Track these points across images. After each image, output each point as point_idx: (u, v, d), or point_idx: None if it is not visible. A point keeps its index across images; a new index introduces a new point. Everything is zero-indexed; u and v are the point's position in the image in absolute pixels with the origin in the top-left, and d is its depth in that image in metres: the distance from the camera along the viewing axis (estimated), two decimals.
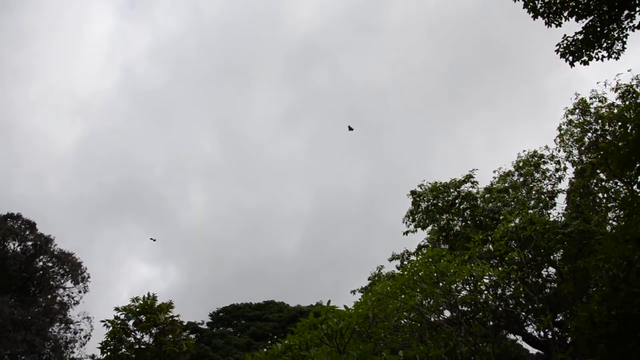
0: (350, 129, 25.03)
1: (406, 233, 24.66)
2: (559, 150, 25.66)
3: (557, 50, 13.69)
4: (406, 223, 24.28)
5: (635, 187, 11.48)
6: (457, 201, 23.05)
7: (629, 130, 7.81)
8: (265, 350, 9.10)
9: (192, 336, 69.50)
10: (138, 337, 25.89)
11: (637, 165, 8.23)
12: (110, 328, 25.07)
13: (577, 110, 24.86)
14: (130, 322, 25.95)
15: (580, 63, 13.63)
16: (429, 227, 24.71)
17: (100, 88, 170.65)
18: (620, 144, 8.25)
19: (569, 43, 13.53)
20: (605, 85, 24.14)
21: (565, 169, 25.39)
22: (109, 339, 24.84)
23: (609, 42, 13.28)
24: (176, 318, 27.07)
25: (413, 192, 23.94)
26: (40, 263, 38.40)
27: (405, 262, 25.07)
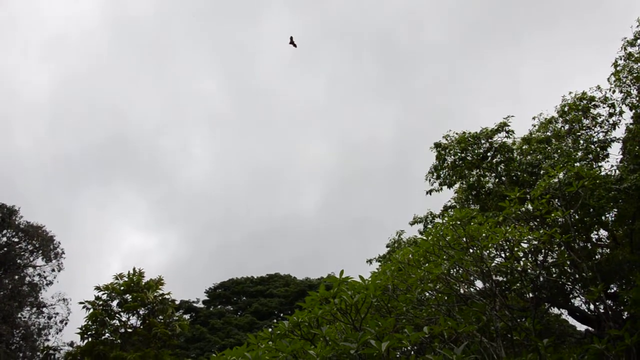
0: (293, 43, 24.91)
1: (430, 192, 24.65)
2: (614, 91, 25.04)
3: None
4: (430, 180, 24.25)
5: None
6: (489, 154, 22.93)
7: None
8: (270, 329, 9.27)
9: (187, 316, 71.05)
10: (124, 319, 26.39)
11: None
12: (91, 310, 25.45)
13: (639, 41, 24.19)
14: (114, 303, 26.39)
15: None
16: (457, 185, 24.69)
17: (75, 12, 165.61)
18: None
19: None
20: None
21: (621, 113, 24.69)
22: (89, 323, 25.16)
23: None
24: (167, 296, 27.56)
25: (437, 145, 23.81)
26: (4, 239, 38.76)
27: (430, 226, 25.21)
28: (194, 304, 78.54)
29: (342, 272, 9.67)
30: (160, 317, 26.86)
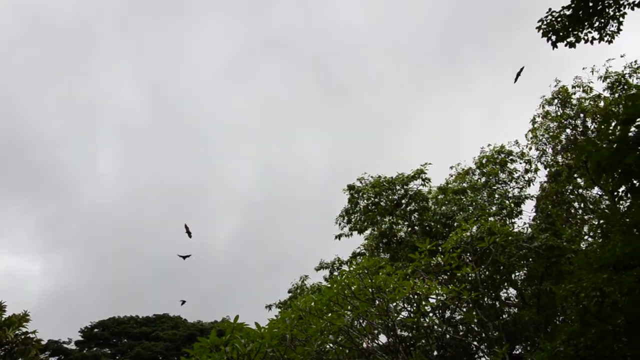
0: (188, 232, 25.74)
1: (339, 237, 24.97)
2: (531, 148, 26.65)
3: (539, 28, 14.17)
4: (340, 224, 24.60)
5: (616, 197, 12.02)
6: (403, 201, 23.54)
7: (612, 128, 8.25)
8: None
9: (54, 359, 67.10)
10: None
11: (619, 170, 8.67)
12: None
13: (556, 101, 25.93)
14: None
15: (566, 45, 14.12)
16: (368, 231, 25.11)
17: None
18: (600, 143, 8.66)
19: (553, 19, 13.99)
20: (592, 72, 25.24)
21: (536, 170, 26.26)
22: None
23: (603, 21, 13.79)
24: (32, 335, 26.02)
25: (350, 187, 24.20)
26: None
27: (336, 273, 25.40)
28: (65, 345, 74.40)
29: (237, 317, 9.58)
30: (21, 359, 25.26)
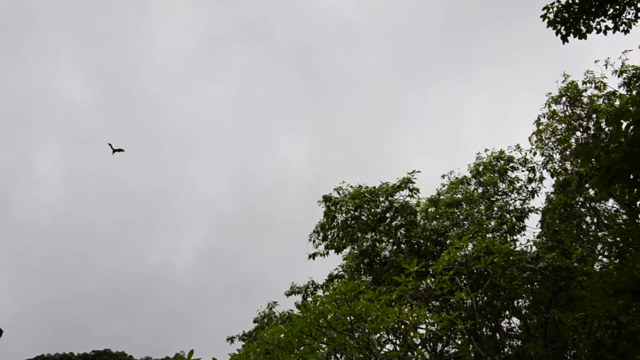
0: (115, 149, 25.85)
1: (313, 256, 24.73)
2: (535, 153, 26.65)
3: (544, 17, 14.24)
4: (314, 241, 24.38)
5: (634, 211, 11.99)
6: (388, 215, 23.45)
7: (623, 128, 8.24)
8: None
9: None
10: None
11: (631, 176, 8.66)
12: None
13: (565, 99, 25.90)
14: None
15: (576, 36, 14.24)
16: (347, 250, 24.94)
17: None
18: (611, 146, 8.67)
19: (561, 7, 14.06)
20: (605, 65, 24.97)
21: (541, 179, 26.25)
22: None
23: (618, 7, 13.78)
24: None
25: (326, 199, 23.86)
26: None
27: (309, 299, 25.26)
28: None
29: (191, 353, 9.43)
30: None
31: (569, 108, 25.63)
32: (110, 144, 25.28)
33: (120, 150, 25.41)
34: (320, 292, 25.75)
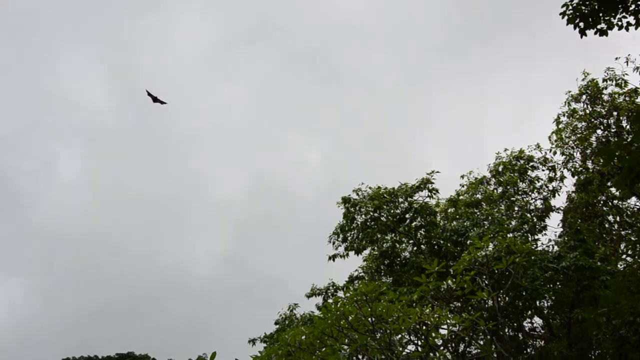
0: (157, 99, 25.40)
1: (333, 258, 24.82)
2: (555, 152, 26.50)
3: (563, 14, 14.10)
4: (333, 243, 24.47)
5: None
6: (407, 216, 23.38)
7: None
8: None
9: None
10: None
11: None
12: None
13: (585, 97, 25.70)
14: None
15: (595, 32, 14.07)
16: (367, 251, 24.91)
17: None
18: (634, 146, 8.61)
19: (580, 2, 13.91)
20: (626, 62, 24.62)
21: (562, 178, 26.15)
22: None
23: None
24: None
25: (345, 200, 23.90)
26: None
27: (330, 300, 25.26)
28: None
29: (213, 355, 9.48)
30: None
31: (589, 106, 25.43)
32: (149, 93, 25.09)
33: (161, 101, 25.22)
34: (340, 294, 25.76)
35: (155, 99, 24.90)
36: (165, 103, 25.46)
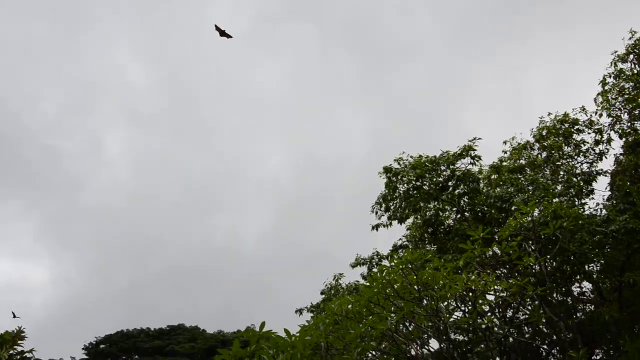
0: (224, 33, 25.26)
1: (376, 228, 24.89)
2: (601, 115, 26.01)
3: None
4: (377, 213, 24.47)
5: None
6: (450, 184, 23.24)
7: None
8: None
9: None
10: None
11: None
12: None
13: (632, 57, 25.13)
14: None
15: None
16: (410, 220, 24.89)
17: None
18: None
19: None
20: None
21: (609, 141, 25.66)
22: None
23: None
24: (28, 355, 26.43)
25: (387, 170, 23.87)
26: None
27: (375, 270, 25.32)
28: None
29: (262, 325, 9.57)
30: None
31: (637, 66, 24.83)
32: (217, 26, 25.15)
33: (228, 35, 25.31)
34: (385, 263, 25.79)
35: (222, 33, 24.99)
36: (231, 37, 25.50)
